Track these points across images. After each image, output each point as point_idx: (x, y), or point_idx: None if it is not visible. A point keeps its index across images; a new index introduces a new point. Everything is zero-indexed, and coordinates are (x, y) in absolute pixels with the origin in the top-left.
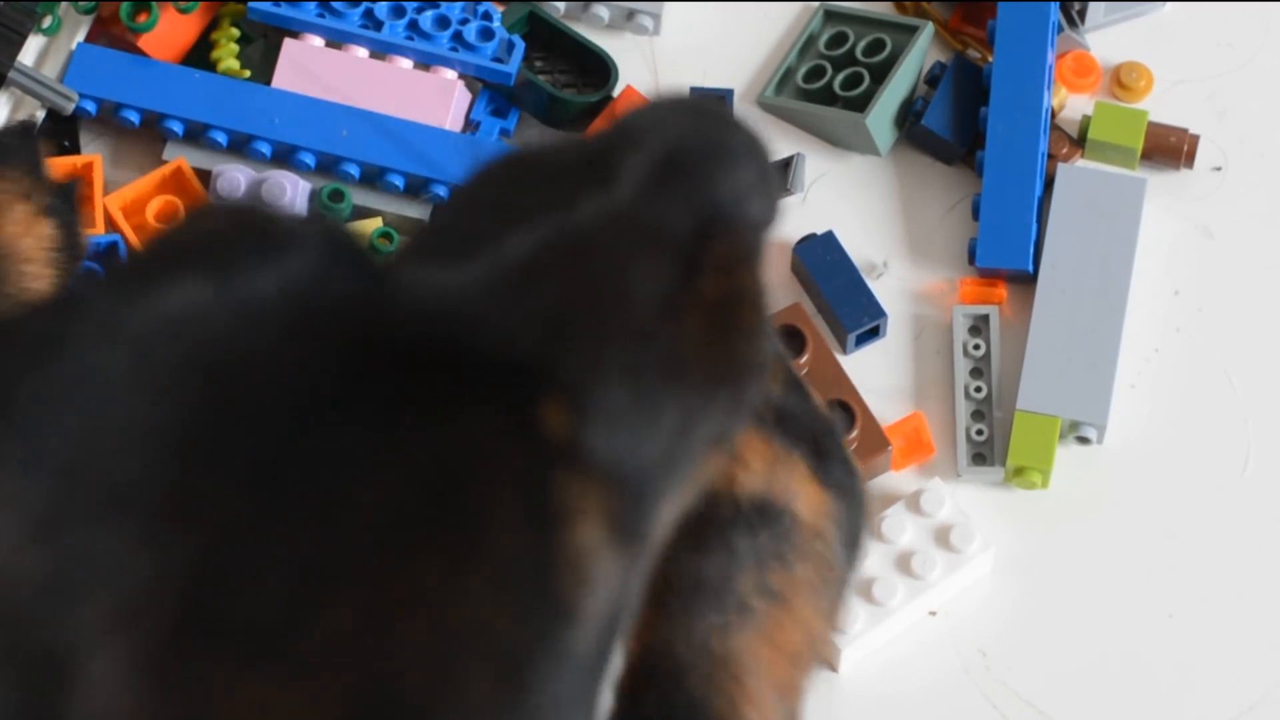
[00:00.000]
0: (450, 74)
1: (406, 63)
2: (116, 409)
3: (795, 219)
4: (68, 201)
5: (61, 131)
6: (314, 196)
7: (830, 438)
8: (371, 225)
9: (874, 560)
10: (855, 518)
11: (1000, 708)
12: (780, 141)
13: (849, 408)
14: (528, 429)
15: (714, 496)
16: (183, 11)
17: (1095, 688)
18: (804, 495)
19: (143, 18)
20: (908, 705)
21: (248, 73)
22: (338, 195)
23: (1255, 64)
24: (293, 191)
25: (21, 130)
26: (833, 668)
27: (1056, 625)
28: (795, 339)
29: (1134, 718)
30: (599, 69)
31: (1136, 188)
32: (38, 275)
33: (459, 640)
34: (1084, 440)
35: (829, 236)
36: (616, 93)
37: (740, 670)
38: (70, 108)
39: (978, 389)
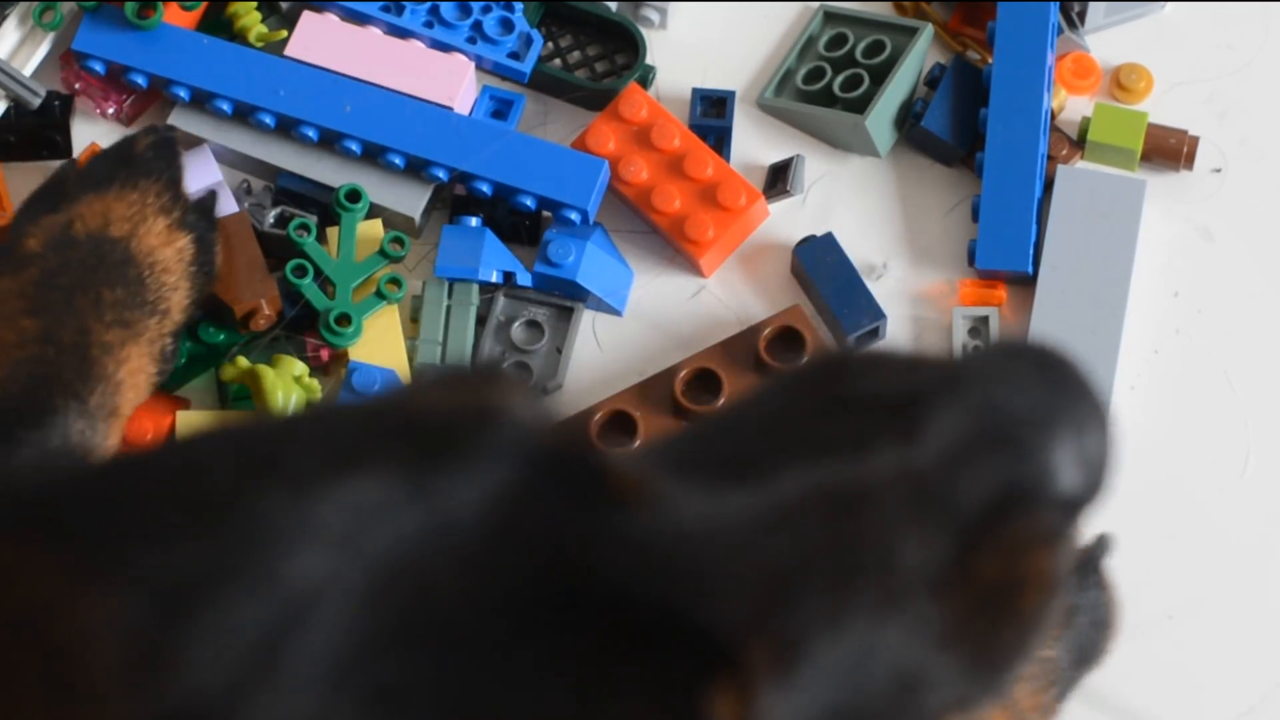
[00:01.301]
0: (461, 57)
1: (418, 43)
2: (314, 608)
3: (795, 220)
4: (205, 218)
5: (49, 125)
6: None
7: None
8: (374, 228)
9: None
10: (1091, 639)
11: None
12: (780, 143)
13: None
14: (689, 715)
15: None
16: (186, 9)
17: (1095, 688)
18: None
19: (148, 14)
20: None
21: (284, 32)
22: (355, 195)
23: (1255, 66)
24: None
25: (161, 143)
26: None
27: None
28: (794, 341)
29: (1134, 717)
30: (624, 41)
31: (1136, 189)
32: (175, 286)
33: None
34: None
35: (828, 238)
36: (631, 81)
37: None
38: (36, 102)
39: None
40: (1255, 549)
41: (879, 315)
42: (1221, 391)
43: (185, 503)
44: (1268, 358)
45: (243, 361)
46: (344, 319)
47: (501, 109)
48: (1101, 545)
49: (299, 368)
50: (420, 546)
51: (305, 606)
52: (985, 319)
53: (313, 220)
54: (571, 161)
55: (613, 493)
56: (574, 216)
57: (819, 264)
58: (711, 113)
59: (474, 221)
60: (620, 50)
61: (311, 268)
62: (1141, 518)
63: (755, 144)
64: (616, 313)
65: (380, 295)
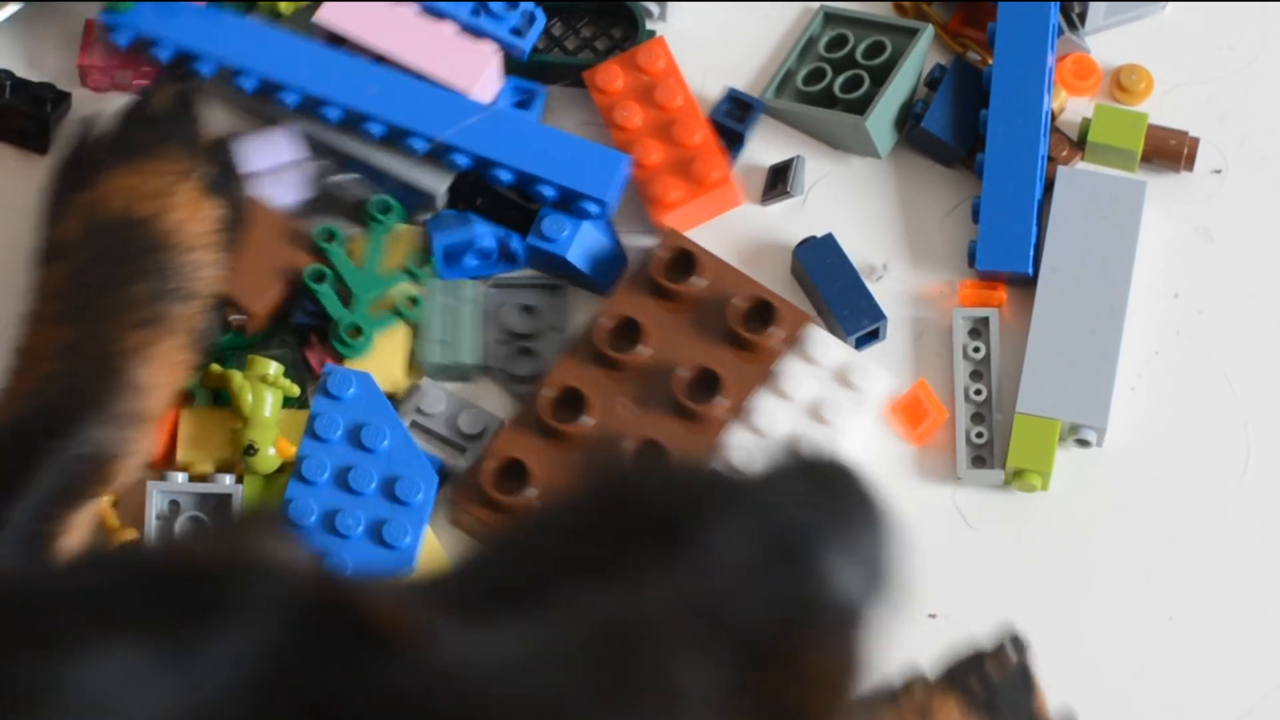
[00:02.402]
0: (490, 46)
1: (450, 27)
2: None
3: (796, 221)
4: (228, 170)
5: (36, 115)
6: (362, 208)
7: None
8: (403, 239)
9: (787, 418)
10: None
11: None
12: (780, 143)
13: (768, 304)
14: None
15: None
16: None
17: (1096, 690)
18: None
19: None
20: None
21: None
22: (386, 207)
23: (1255, 67)
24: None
25: (179, 100)
26: None
27: (1057, 627)
28: (686, 261)
29: (1134, 719)
30: (618, 17)
31: (1136, 190)
32: (204, 262)
33: None
34: (1084, 443)
35: (829, 239)
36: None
37: None
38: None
39: (977, 391)
40: (1255, 549)
41: (879, 316)
42: (1221, 392)
43: None
44: (1268, 358)
45: (215, 367)
46: (356, 330)
47: (525, 99)
48: (1018, 647)
49: (272, 368)
50: (180, 714)
51: None
52: (985, 320)
53: (341, 230)
54: (593, 154)
55: (378, 636)
56: (593, 208)
57: (819, 265)
58: (735, 114)
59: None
60: (616, 25)
61: (331, 274)
62: (1141, 518)
63: (755, 144)
64: (600, 293)
65: (398, 313)
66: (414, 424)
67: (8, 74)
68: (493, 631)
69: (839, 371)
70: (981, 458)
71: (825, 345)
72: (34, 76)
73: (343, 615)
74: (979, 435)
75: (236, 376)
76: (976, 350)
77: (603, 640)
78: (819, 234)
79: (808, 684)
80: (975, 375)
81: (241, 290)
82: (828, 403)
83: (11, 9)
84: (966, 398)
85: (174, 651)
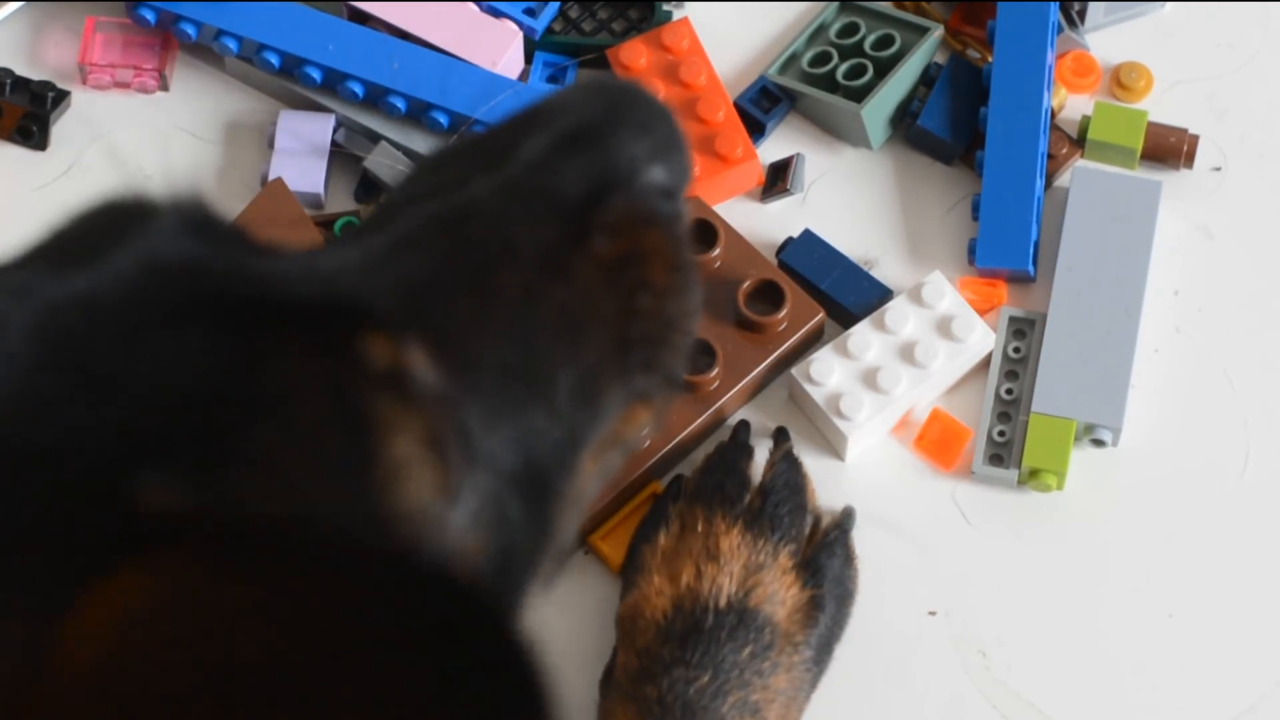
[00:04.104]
0: (512, 25)
1: (472, 5)
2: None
3: (797, 218)
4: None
5: (34, 114)
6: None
7: (835, 531)
8: None
9: (878, 350)
10: (836, 621)
11: (1000, 707)
12: (779, 134)
13: (777, 287)
14: (342, 354)
15: (695, 598)
16: None
17: (1095, 688)
18: (786, 600)
19: None
20: (908, 705)
21: None
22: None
23: (1255, 64)
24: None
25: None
26: (840, 457)
27: (1056, 625)
28: (707, 232)
29: (1134, 718)
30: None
31: (1152, 191)
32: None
33: (250, 461)
34: (1099, 443)
35: (806, 235)
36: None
37: None
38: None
39: (1008, 391)
40: (1255, 547)
41: (886, 292)
42: (1221, 390)
43: None
44: (1268, 356)
45: None
46: None
47: (557, 75)
48: (846, 517)
49: None
50: (82, 291)
51: None
52: (1031, 322)
53: (359, 220)
54: None
55: (253, 246)
56: None
57: (808, 261)
58: (762, 104)
59: None
60: (632, 6)
61: None
62: (1140, 516)
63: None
64: None
65: None
66: None
67: (8, 72)
68: (351, 244)
69: (943, 319)
70: (999, 456)
71: (940, 292)
72: (34, 75)
73: (220, 227)
74: (1000, 434)
75: None
76: (1017, 350)
77: (440, 228)
78: (819, 231)
79: (637, 249)
80: (1010, 375)
81: None
82: (923, 346)
83: (12, 7)
84: (996, 396)
85: (68, 265)
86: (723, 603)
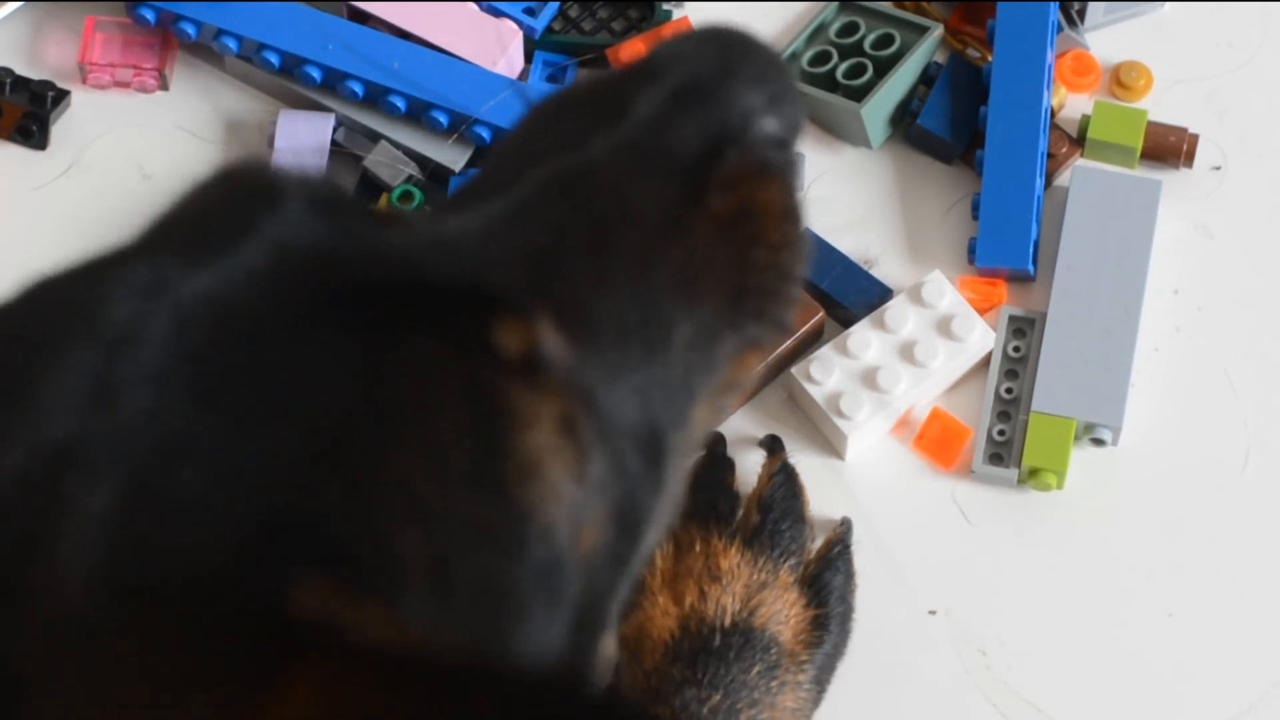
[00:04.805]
0: (512, 24)
1: (472, 5)
2: (135, 353)
3: None
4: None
5: (34, 114)
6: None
7: (838, 546)
8: None
9: (878, 350)
10: (839, 639)
11: (1000, 707)
12: None
13: None
14: (475, 344)
15: (701, 619)
16: None
17: (1095, 687)
18: (790, 619)
19: None
20: (908, 705)
21: None
22: (408, 196)
23: (1254, 64)
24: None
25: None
26: (840, 456)
27: (1056, 625)
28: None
29: (1134, 717)
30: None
31: (1152, 190)
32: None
33: (384, 499)
34: (1099, 442)
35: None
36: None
37: None
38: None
39: (1008, 390)
40: (1255, 546)
41: (885, 291)
42: (1221, 390)
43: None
44: (1268, 356)
45: None
46: None
47: (557, 74)
48: (847, 531)
49: None
50: (215, 288)
51: (123, 342)
52: (1031, 321)
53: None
54: None
55: (376, 218)
56: None
57: (808, 260)
58: None
59: None
60: (632, 5)
61: None
62: (1140, 515)
63: None
64: None
65: None
66: None
67: (8, 71)
68: (472, 210)
69: (943, 318)
70: (999, 455)
71: (940, 291)
72: (34, 74)
73: (345, 203)
74: (1000, 433)
75: None
76: (1017, 350)
77: (560, 191)
78: (816, 232)
79: (752, 204)
80: (1010, 374)
81: None
82: (923, 345)
83: (12, 7)
84: (996, 395)
85: (197, 252)
86: (728, 623)
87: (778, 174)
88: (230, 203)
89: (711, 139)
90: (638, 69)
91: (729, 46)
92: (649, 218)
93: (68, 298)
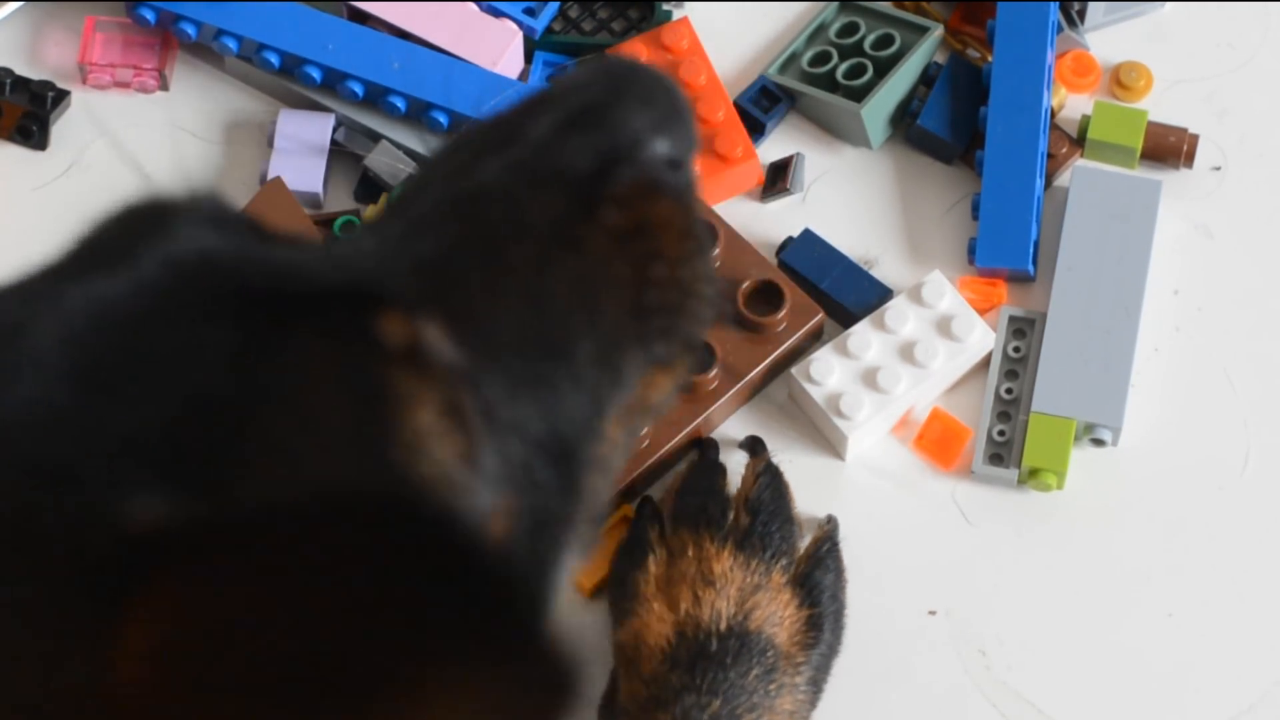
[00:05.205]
0: (512, 24)
1: (472, 5)
2: (25, 346)
3: (797, 217)
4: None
5: (34, 114)
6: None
7: (826, 544)
8: None
9: (878, 350)
10: (834, 638)
11: (1000, 707)
12: (779, 132)
13: (776, 287)
14: (357, 334)
15: (696, 624)
16: None
17: (1095, 687)
18: (784, 620)
19: None
20: (908, 705)
21: None
22: (349, 227)
23: (1254, 64)
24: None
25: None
26: (840, 457)
27: (1056, 625)
28: (707, 232)
29: (1134, 717)
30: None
31: (1152, 190)
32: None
33: (280, 475)
34: (1099, 442)
35: (806, 234)
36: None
37: None
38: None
39: (1008, 390)
40: (1255, 546)
41: (886, 291)
42: (1221, 390)
43: None
44: (1268, 356)
45: None
46: None
47: (557, 74)
48: (834, 528)
49: None
50: (102, 293)
51: (7, 337)
52: (1031, 321)
53: (359, 219)
54: None
55: (271, 240)
56: None
57: (808, 261)
58: (762, 103)
59: None
60: (632, 6)
61: None
62: (1140, 515)
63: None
64: None
65: None
66: None
67: (8, 71)
68: (368, 232)
69: (943, 319)
70: (999, 455)
71: (940, 291)
72: (34, 74)
73: (240, 221)
74: (1000, 434)
75: None
76: (1017, 350)
77: (453, 209)
78: (816, 232)
79: (647, 218)
80: (1010, 374)
81: None
82: (923, 345)
83: (12, 7)
84: (996, 395)
85: (92, 269)
86: (724, 627)
87: (670, 191)
88: (124, 226)
89: (602, 157)
90: (533, 100)
91: (619, 73)
92: (540, 231)
93: None
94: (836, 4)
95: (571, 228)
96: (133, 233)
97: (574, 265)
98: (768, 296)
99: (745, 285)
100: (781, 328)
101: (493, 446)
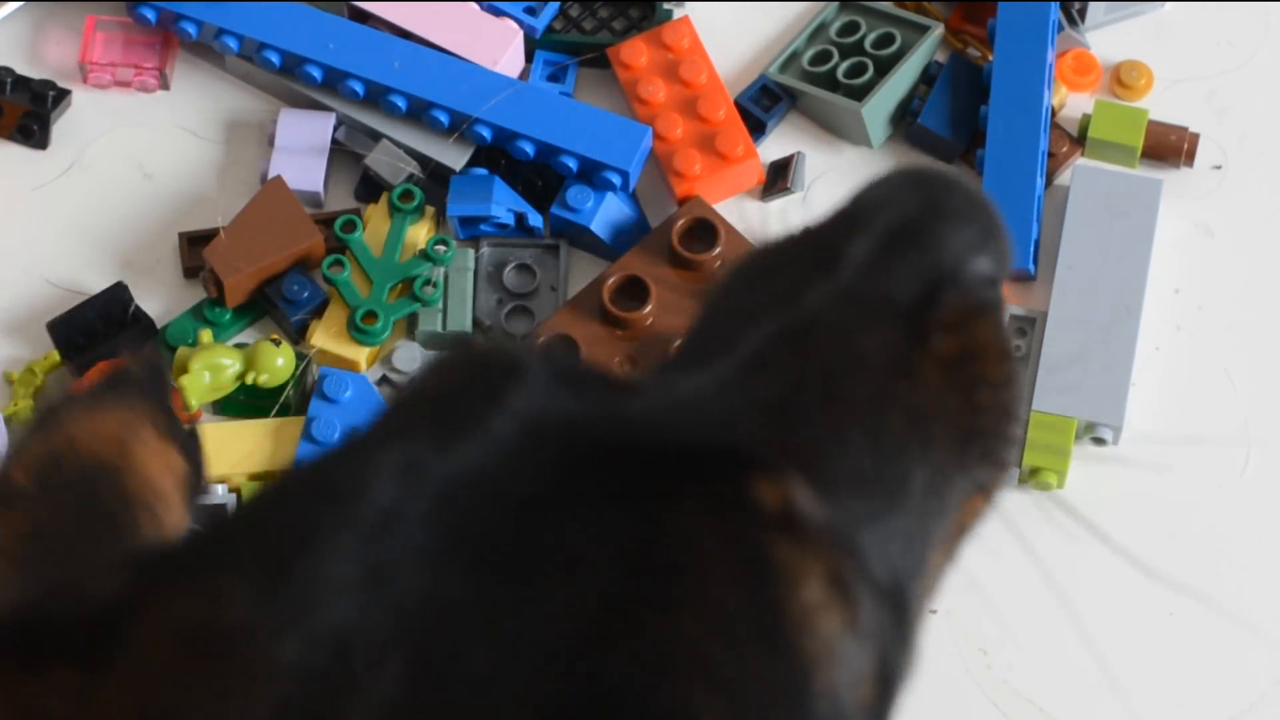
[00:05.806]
0: (513, 23)
1: (473, 4)
2: (400, 533)
3: (798, 216)
4: (193, 442)
5: (35, 113)
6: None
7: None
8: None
9: None
10: None
11: (1001, 706)
12: (779, 131)
13: None
14: (739, 504)
15: None
16: None
17: (1095, 686)
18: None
19: None
20: (908, 705)
21: None
22: (408, 196)
23: (1255, 63)
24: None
25: (152, 369)
26: None
27: (1056, 625)
28: (708, 232)
29: (1134, 716)
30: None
31: (1152, 189)
32: (170, 508)
33: (677, 665)
34: (1100, 441)
35: None
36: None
37: None
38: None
39: None
40: (1255, 546)
41: None
42: (1221, 389)
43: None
44: (1268, 355)
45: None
46: (371, 316)
47: (557, 73)
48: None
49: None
50: (470, 464)
51: (387, 525)
52: (1032, 321)
53: (359, 218)
54: (615, 126)
55: (617, 389)
56: (615, 179)
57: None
58: (763, 102)
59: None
60: (633, 5)
61: (348, 264)
62: (1140, 514)
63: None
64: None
65: (415, 298)
66: (383, 379)
67: (8, 71)
68: (701, 370)
69: None
70: None
71: None
72: (35, 73)
73: (584, 374)
74: None
75: (184, 352)
76: (1017, 349)
77: (787, 344)
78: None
79: (972, 343)
80: None
81: (224, 256)
82: None
83: (12, 7)
84: None
85: (451, 433)
86: None
87: (992, 312)
88: (472, 380)
89: (928, 281)
90: (842, 217)
91: (932, 186)
92: (877, 364)
93: (322, 487)
94: (837, 3)
95: (905, 359)
96: (481, 385)
97: (909, 398)
98: (700, 233)
99: (679, 224)
100: None
101: (869, 613)
